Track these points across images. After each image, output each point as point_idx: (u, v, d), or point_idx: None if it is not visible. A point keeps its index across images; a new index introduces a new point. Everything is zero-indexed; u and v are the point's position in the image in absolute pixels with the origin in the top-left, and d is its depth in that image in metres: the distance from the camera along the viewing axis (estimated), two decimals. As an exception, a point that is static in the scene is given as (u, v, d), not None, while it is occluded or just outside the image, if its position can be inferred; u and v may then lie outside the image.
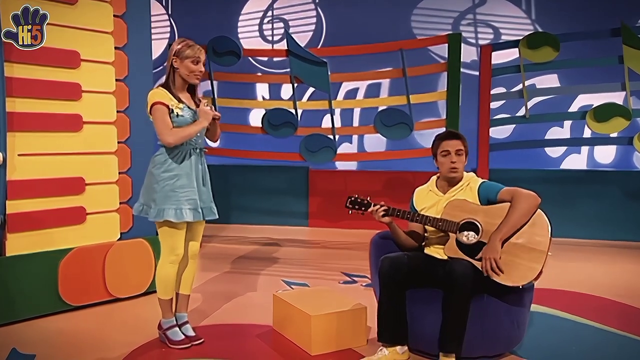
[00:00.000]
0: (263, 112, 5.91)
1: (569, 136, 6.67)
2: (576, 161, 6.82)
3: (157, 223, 2.94)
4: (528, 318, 2.91)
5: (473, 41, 7.10)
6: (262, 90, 7.73)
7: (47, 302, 3.46)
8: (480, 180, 2.89)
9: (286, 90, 7.25)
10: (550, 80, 6.69)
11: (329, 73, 5.59)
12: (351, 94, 7.35)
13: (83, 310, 3.59)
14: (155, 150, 2.99)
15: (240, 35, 7.80)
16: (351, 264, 4.96)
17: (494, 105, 6.01)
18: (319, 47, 7.32)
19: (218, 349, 2.98)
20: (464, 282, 2.59)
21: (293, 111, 5.72)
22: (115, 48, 3.78)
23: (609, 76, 5.75)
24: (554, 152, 6.86)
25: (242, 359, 2.89)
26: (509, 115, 6.39)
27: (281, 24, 7.72)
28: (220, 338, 3.15)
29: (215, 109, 3.02)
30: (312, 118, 6.54)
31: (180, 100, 2.92)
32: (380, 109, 5.76)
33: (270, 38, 7.81)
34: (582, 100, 6.55)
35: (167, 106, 2.87)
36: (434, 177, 3.03)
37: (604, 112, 5.50)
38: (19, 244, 3.36)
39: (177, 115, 2.88)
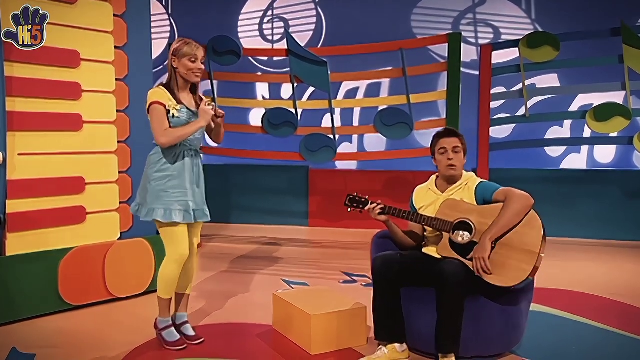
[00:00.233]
0: (263, 111, 5.92)
1: (569, 136, 6.67)
2: (576, 161, 6.82)
3: (157, 223, 2.94)
4: (526, 319, 2.90)
5: (473, 41, 7.10)
6: (262, 89, 7.73)
7: (47, 301, 3.46)
8: (479, 180, 2.88)
9: (286, 90, 7.26)
10: (550, 80, 6.69)
11: (329, 72, 5.59)
12: (351, 94, 7.36)
13: (83, 310, 3.59)
14: (152, 149, 2.99)
15: (240, 35, 7.80)
16: (351, 264, 4.96)
17: (494, 104, 6.01)
18: (319, 46, 7.33)
19: (218, 349, 2.98)
20: (454, 282, 2.60)
21: (293, 111, 5.73)
22: (115, 47, 3.78)
23: (609, 76, 5.75)
24: (553, 151, 6.86)
25: (242, 359, 2.89)
26: (509, 115, 6.40)
27: (281, 24, 7.72)
28: (220, 337, 3.15)
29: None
30: (312, 118, 6.54)
31: (180, 101, 2.91)
32: (380, 108, 5.76)
33: (270, 37, 7.81)
34: (582, 100, 6.55)
35: (165, 106, 2.87)
36: (434, 176, 3.04)
37: (604, 112, 5.50)
38: (19, 244, 3.36)
39: (173, 116, 2.86)
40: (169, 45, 3.21)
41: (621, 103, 5.62)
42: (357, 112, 7.32)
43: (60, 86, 3.52)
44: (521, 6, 7.05)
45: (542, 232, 2.65)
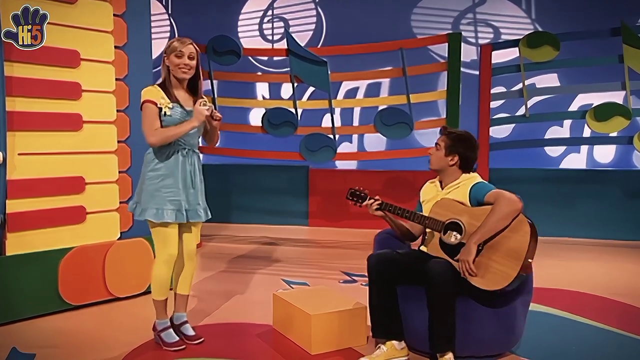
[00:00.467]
0: (263, 111, 5.91)
1: (568, 135, 6.67)
2: (576, 160, 6.82)
3: (149, 222, 2.92)
4: (524, 320, 2.89)
5: (473, 40, 7.10)
6: (262, 89, 7.73)
7: (47, 301, 3.46)
8: (476, 181, 2.86)
9: (286, 90, 7.25)
10: (550, 80, 6.69)
11: (329, 72, 5.59)
12: (351, 94, 7.35)
13: (83, 310, 3.59)
14: (148, 148, 2.98)
15: (240, 35, 7.80)
16: (351, 263, 4.96)
17: (494, 104, 6.01)
18: (319, 46, 7.33)
19: (218, 348, 2.98)
20: (440, 281, 2.61)
21: (293, 110, 5.73)
22: (115, 47, 3.78)
23: (609, 75, 5.75)
24: (553, 151, 6.86)
25: (242, 359, 2.89)
26: (509, 115, 6.40)
27: (281, 23, 7.72)
28: (220, 337, 3.15)
29: (215, 109, 2.96)
30: (312, 117, 6.54)
31: (175, 99, 2.89)
32: (380, 108, 5.76)
33: (270, 37, 7.81)
34: (582, 100, 6.55)
35: (157, 104, 2.84)
36: None
37: (604, 112, 5.50)
38: (19, 244, 3.36)
39: (165, 114, 2.84)
40: (169, 45, 3.21)
41: (621, 103, 5.61)
42: (357, 112, 7.31)
43: (60, 86, 3.51)
44: (521, 6, 7.05)
45: (529, 237, 2.61)
